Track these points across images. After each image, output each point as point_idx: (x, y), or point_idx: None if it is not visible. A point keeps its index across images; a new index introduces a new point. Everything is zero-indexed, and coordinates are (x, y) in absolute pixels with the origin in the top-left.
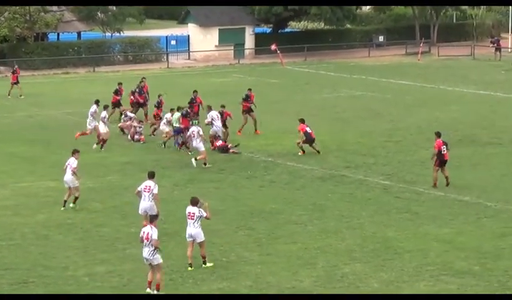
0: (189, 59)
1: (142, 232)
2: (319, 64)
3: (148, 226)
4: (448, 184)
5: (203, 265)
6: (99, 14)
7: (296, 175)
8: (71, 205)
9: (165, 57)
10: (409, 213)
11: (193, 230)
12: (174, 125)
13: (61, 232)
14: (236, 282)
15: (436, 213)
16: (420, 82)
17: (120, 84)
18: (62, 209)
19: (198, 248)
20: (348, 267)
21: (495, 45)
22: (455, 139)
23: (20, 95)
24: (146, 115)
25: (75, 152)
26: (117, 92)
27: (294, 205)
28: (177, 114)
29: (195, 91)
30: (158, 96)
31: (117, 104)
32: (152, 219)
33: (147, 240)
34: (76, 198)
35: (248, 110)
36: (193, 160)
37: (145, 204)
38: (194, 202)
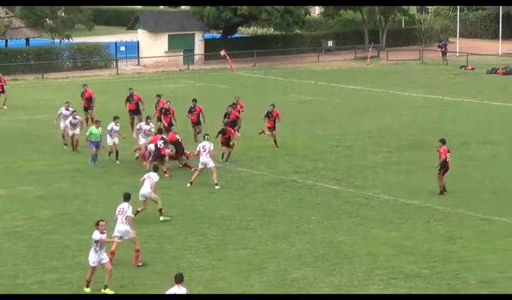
0: (138, 64)
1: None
2: (268, 69)
3: None
4: (441, 193)
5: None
6: (48, 21)
7: (246, 180)
8: (161, 218)
9: (114, 63)
10: (359, 217)
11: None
12: (95, 138)
13: (10, 240)
14: (188, 288)
15: (386, 217)
16: (369, 87)
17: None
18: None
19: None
20: (298, 271)
21: (442, 49)
22: (405, 143)
23: (4, 106)
24: (87, 120)
25: (157, 169)
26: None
27: (244, 210)
28: (100, 129)
29: (194, 100)
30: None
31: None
32: None
33: None
34: (161, 209)
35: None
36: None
37: (120, 227)
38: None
